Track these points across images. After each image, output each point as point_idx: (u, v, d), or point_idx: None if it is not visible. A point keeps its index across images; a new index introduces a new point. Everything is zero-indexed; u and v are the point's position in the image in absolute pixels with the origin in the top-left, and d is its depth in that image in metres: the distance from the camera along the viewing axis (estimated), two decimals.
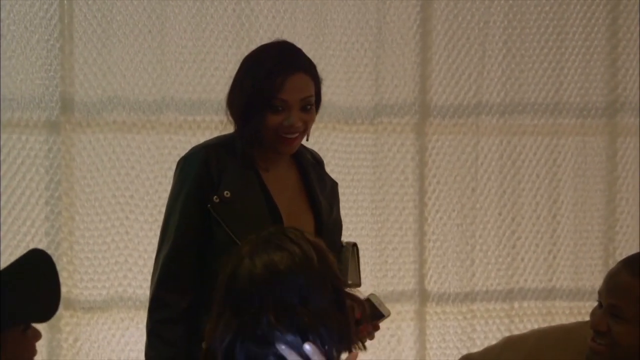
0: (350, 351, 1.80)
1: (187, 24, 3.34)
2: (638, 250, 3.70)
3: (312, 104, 2.57)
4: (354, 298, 2.58)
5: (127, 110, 3.29)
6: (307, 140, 2.62)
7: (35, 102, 3.22)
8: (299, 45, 3.37)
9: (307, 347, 1.69)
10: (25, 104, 3.21)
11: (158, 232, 3.28)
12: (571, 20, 3.69)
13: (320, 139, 3.46)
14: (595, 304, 3.60)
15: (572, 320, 3.68)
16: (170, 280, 2.55)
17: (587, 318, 3.67)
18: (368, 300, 2.60)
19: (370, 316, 2.59)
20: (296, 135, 2.57)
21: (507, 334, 3.49)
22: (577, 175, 3.74)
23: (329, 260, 1.81)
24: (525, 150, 3.68)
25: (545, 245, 3.71)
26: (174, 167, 3.27)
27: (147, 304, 3.28)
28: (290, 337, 1.70)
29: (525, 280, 3.70)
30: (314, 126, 2.62)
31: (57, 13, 3.22)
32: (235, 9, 3.38)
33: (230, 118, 2.60)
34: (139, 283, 3.35)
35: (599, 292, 2.25)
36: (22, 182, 3.23)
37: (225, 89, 3.34)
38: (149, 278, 3.29)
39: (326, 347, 1.74)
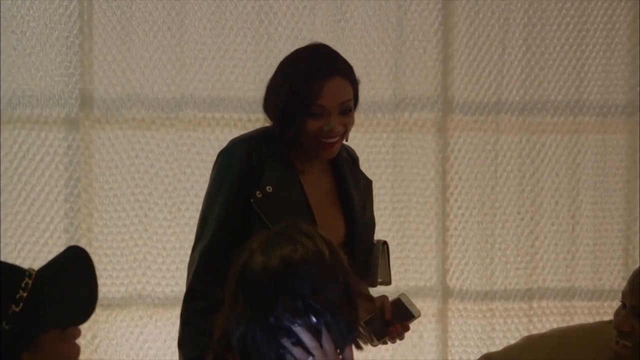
0: (357, 345, 1.82)
1: (206, 21, 3.32)
2: None
3: (351, 107, 2.54)
4: (384, 299, 2.58)
5: (146, 107, 3.28)
6: (345, 141, 2.60)
7: (55, 99, 3.20)
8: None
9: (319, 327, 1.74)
10: (44, 101, 3.20)
11: (177, 230, 3.34)
12: (592, 17, 3.66)
13: None
14: (615, 303, 3.57)
15: (591, 320, 3.66)
16: (208, 272, 2.53)
17: (606, 318, 3.66)
18: (398, 300, 2.59)
19: (400, 316, 2.58)
20: (336, 139, 2.55)
21: (525, 334, 3.47)
22: (596, 173, 3.72)
23: (340, 255, 1.81)
24: (545, 149, 3.65)
25: (564, 245, 3.69)
26: (192, 164, 3.35)
27: (165, 302, 3.31)
28: (300, 321, 1.73)
29: (544, 280, 3.68)
30: None
31: (77, 10, 3.21)
32: (254, 6, 3.36)
33: (268, 118, 2.58)
34: (158, 281, 3.35)
35: (623, 293, 2.25)
36: (41, 178, 3.21)
37: (244, 86, 3.37)
38: (168, 275, 3.34)
39: (333, 335, 1.75)
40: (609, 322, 2.41)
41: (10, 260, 1.81)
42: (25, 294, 1.63)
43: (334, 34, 3.41)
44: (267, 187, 2.54)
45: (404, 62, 3.49)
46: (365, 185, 2.75)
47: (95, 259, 3.16)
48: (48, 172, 3.22)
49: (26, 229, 3.19)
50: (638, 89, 3.71)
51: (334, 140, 2.54)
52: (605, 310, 3.72)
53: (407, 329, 2.59)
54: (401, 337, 2.57)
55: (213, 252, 2.54)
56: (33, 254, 3.22)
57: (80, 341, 3.16)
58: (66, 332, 1.71)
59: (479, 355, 2.65)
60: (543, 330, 3.28)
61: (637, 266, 3.73)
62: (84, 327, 3.14)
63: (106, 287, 3.26)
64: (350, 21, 3.42)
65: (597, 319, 3.67)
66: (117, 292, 3.30)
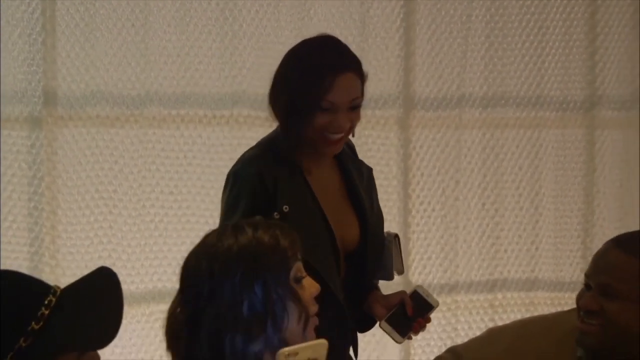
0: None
1: (170, 18, 3.27)
2: None
3: (359, 104, 2.48)
4: (403, 294, 2.57)
5: (110, 104, 3.23)
6: (352, 136, 2.56)
7: (18, 97, 3.14)
8: (281, 40, 3.36)
9: None
10: (7, 99, 3.13)
11: (141, 227, 3.29)
12: (551, 14, 3.67)
13: None
14: (575, 294, 3.54)
15: (553, 310, 3.68)
16: None
17: (567, 308, 3.67)
18: (415, 292, 2.58)
19: (420, 309, 2.57)
20: (342, 135, 2.49)
21: (490, 325, 3.49)
22: (557, 167, 3.75)
23: (270, 260, 1.84)
24: (507, 143, 3.67)
25: (527, 237, 3.72)
26: (157, 161, 3.31)
27: (130, 299, 3.25)
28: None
29: (508, 272, 3.70)
30: None
31: (39, 6, 3.14)
32: (219, 3, 3.32)
33: (273, 115, 2.52)
34: (123, 278, 3.21)
35: (586, 275, 2.21)
36: (4, 177, 3.15)
37: (209, 82, 3.33)
38: (133, 273, 3.30)
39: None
40: (569, 311, 2.40)
41: None
42: (47, 312, 1.54)
43: (298, 31, 3.37)
44: (284, 207, 2.49)
45: (367, 59, 3.44)
46: (368, 175, 2.69)
47: (59, 257, 3.17)
48: (11, 171, 3.16)
49: None
50: (595, 84, 3.74)
51: (339, 136, 2.48)
52: (566, 301, 3.74)
53: (428, 321, 2.58)
54: (423, 329, 2.56)
55: None
56: None
57: None
58: (84, 356, 1.60)
59: (443, 348, 2.67)
60: (507, 322, 3.27)
61: None
62: None
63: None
64: (314, 18, 3.39)
65: (559, 309, 3.69)
66: None
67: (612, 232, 3.72)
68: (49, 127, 3.17)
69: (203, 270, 1.84)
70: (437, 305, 2.60)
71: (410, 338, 2.60)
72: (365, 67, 3.46)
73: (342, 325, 2.53)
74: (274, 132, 2.59)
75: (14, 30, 3.11)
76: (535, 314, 3.62)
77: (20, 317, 1.54)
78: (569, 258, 3.77)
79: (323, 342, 1.72)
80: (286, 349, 1.68)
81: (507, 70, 3.62)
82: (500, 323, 3.36)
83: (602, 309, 2.15)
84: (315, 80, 2.42)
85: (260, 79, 3.29)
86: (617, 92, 3.75)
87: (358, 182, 2.63)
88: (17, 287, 1.59)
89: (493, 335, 2.44)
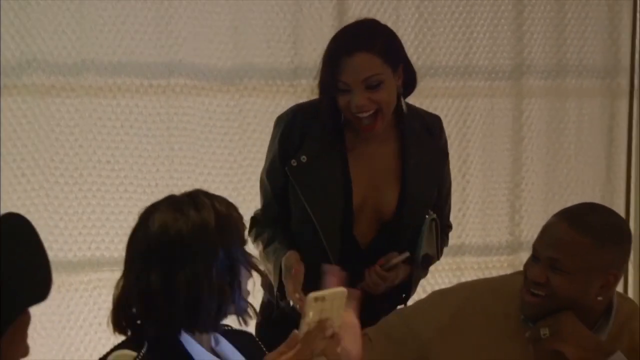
0: (243, 319, 1.95)
1: None
2: (542, 208, 3.81)
3: (380, 81, 2.51)
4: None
5: (47, 73, 3.18)
6: (405, 111, 2.62)
7: None
8: (217, 10, 3.35)
9: None
10: None
11: (79, 195, 3.27)
12: None
13: (241, 101, 3.43)
14: (504, 258, 3.64)
15: (480, 274, 3.73)
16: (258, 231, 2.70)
17: (494, 272, 3.73)
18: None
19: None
20: (368, 113, 2.53)
21: (420, 289, 3.49)
22: (485, 135, 3.78)
23: (231, 228, 1.89)
24: (436, 112, 3.63)
25: (455, 204, 3.70)
26: (94, 129, 3.27)
27: (69, 268, 3.24)
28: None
29: None
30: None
31: None
32: None
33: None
34: (60, 246, 3.27)
35: (535, 247, 2.26)
36: None
37: (145, 51, 3.31)
38: (70, 241, 3.27)
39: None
40: (513, 274, 2.48)
41: None
42: None
43: None
44: (302, 157, 2.58)
45: (301, 30, 3.46)
46: (437, 156, 2.73)
47: None
48: None
49: None
50: (523, 54, 3.77)
51: (364, 115, 2.52)
52: (494, 265, 3.80)
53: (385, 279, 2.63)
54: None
55: (267, 206, 2.69)
56: None
57: None
58: (22, 319, 1.52)
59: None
60: (437, 287, 3.31)
61: (522, 223, 3.84)
62: None
63: None
64: None
65: (486, 273, 3.75)
66: None
67: (539, 198, 3.81)
68: None
69: (172, 239, 1.86)
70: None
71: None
72: (300, 37, 3.50)
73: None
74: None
75: None
76: (463, 278, 3.67)
77: None
78: (496, 223, 3.79)
79: (344, 290, 1.74)
80: (314, 294, 1.69)
81: (437, 41, 3.62)
82: (429, 288, 3.37)
83: (548, 281, 2.21)
84: (331, 62, 2.51)
85: (196, 48, 3.33)
86: (543, 62, 3.78)
87: (415, 160, 2.66)
88: None
89: (440, 298, 2.47)
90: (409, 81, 2.64)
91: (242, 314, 1.93)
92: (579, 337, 2.21)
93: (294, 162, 2.59)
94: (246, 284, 1.92)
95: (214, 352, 1.95)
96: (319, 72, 2.56)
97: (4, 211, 3.12)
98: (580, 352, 2.20)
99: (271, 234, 2.65)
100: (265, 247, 2.65)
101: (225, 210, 1.90)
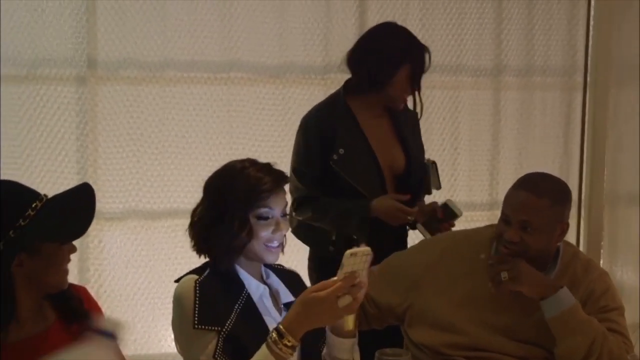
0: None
1: (184, 1, 3.25)
2: (514, 175, 3.70)
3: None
4: (435, 204, 2.73)
5: (137, 67, 3.21)
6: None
7: (68, 61, 3.14)
8: (266, 20, 3.34)
9: None
10: (60, 63, 3.12)
11: (162, 162, 3.29)
12: (469, 3, 3.65)
13: (284, 90, 3.43)
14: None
15: (467, 225, 3.55)
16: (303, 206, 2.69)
17: (478, 224, 3.67)
18: (445, 203, 2.70)
19: (448, 216, 2.70)
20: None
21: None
22: (472, 119, 3.73)
23: (241, 188, 1.87)
24: (434, 100, 3.63)
25: (448, 171, 3.68)
26: (172, 112, 3.30)
27: (154, 215, 3.30)
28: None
29: (435, 198, 3.60)
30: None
31: None
32: None
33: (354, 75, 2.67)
34: (147, 199, 3.32)
35: (505, 213, 2.22)
36: (58, 122, 3.16)
37: (211, 51, 3.27)
38: (155, 196, 3.31)
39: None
40: (486, 227, 2.43)
41: (31, 184, 1.79)
42: (32, 213, 1.62)
43: (279, 13, 3.37)
44: (340, 150, 2.63)
45: (331, 35, 3.43)
46: (413, 119, 2.82)
47: (99, 183, 3.22)
48: (63, 118, 3.16)
49: (47, 161, 3.14)
50: (501, 56, 3.71)
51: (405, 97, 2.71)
52: (479, 217, 3.72)
53: (452, 225, 2.72)
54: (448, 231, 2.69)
55: (311, 189, 2.67)
56: (51, 177, 3.17)
57: (90, 245, 3.20)
58: (63, 247, 1.68)
59: None
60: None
61: (498, 186, 3.81)
62: (92, 235, 3.19)
63: (109, 204, 3.25)
64: None
65: (471, 224, 3.49)
66: (117, 207, 3.27)
67: (512, 167, 3.76)
68: (91, 85, 3.17)
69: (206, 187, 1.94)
70: (461, 214, 2.69)
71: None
72: (329, 40, 3.45)
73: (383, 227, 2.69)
74: (336, 92, 2.73)
75: (65, 10, 3.09)
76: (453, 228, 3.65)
77: (11, 215, 1.61)
78: (479, 186, 3.76)
79: (370, 250, 1.72)
80: (350, 251, 1.68)
81: (436, 45, 3.56)
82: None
83: (522, 239, 2.18)
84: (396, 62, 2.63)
85: (250, 49, 3.34)
86: (516, 62, 3.74)
87: (404, 125, 2.75)
88: (12, 193, 1.66)
89: (428, 245, 2.46)
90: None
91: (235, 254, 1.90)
92: (531, 278, 2.16)
93: (335, 156, 2.63)
94: (235, 238, 1.88)
95: (265, 283, 1.96)
96: (376, 69, 2.60)
97: (104, 173, 3.22)
98: (533, 289, 2.17)
99: (327, 199, 2.68)
100: (325, 209, 2.67)
101: (251, 173, 1.87)
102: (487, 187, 3.79)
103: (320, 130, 2.65)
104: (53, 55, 3.09)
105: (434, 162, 2.80)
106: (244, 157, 1.97)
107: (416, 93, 2.71)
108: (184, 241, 3.31)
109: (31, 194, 1.66)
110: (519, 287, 2.17)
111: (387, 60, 2.61)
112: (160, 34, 3.23)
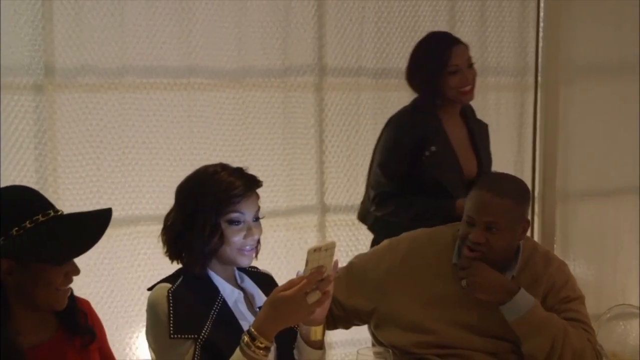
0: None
1: (142, 7, 3.19)
2: None
3: (473, 62, 2.89)
4: None
5: (96, 74, 3.14)
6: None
7: (25, 69, 3.04)
8: (225, 25, 3.34)
9: None
10: (16, 71, 3.03)
11: (122, 167, 3.23)
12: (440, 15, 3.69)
13: (244, 94, 3.39)
14: None
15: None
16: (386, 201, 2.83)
17: None
18: None
19: None
20: (470, 87, 2.83)
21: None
22: None
23: (212, 192, 1.85)
24: (394, 100, 3.61)
25: None
26: (132, 118, 3.24)
27: (115, 223, 3.20)
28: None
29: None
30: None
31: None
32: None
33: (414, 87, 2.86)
34: (108, 207, 3.20)
35: (469, 215, 2.23)
36: (16, 131, 3.06)
37: (171, 57, 3.23)
38: (116, 203, 3.23)
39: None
40: (447, 226, 2.44)
41: None
42: (30, 225, 1.53)
43: (238, 19, 3.33)
44: (432, 148, 2.78)
45: (289, 39, 3.42)
46: (484, 130, 3.00)
47: (59, 191, 3.13)
48: (21, 126, 3.05)
49: (5, 170, 3.03)
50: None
51: (467, 88, 2.83)
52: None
53: None
54: None
55: (394, 183, 2.81)
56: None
57: None
58: (55, 268, 1.58)
59: (349, 257, 2.60)
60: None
61: None
62: None
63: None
64: None
65: None
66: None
67: None
68: (49, 93, 3.09)
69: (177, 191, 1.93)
70: None
71: None
72: (288, 44, 3.44)
73: None
74: (414, 101, 2.90)
75: (20, 17, 3.00)
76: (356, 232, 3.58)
77: (8, 221, 1.52)
78: None
79: (334, 243, 1.73)
80: (313, 246, 1.68)
81: (391, 47, 3.60)
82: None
83: (487, 240, 2.20)
84: (441, 52, 2.81)
85: (209, 54, 3.30)
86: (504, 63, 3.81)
87: (477, 135, 2.92)
88: (20, 199, 1.57)
89: (391, 246, 2.43)
90: None
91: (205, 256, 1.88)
92: (488, 285, 2.18)
93: (427, 153, 2.76)
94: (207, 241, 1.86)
95: (240, 287, 1.94)
96: (422, 65, 2.78)
97: (63, 181, 3.14)
98: (491, 296, 2.18)
99: (410, 198, 2.80)
100: (409, 204, 2.80)
101: (224, 178, 1.85)
102: None
103: (415, 127, 2.79)
104: (9, 63, 2.99)
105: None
106: (205, 162, 1.94)
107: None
108: (147, 248, 3.32)
109: (40, 206, 1.57)
110: (476, 294, 2.20)
111: (429, 70, 2.83)
112: (118, 40, 3.16)
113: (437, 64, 2.78)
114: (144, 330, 3.19)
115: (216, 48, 3.31)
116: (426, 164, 2.77)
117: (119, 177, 3.25)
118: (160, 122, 3.30)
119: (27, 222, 1.54)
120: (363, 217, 3.08)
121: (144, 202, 3.28)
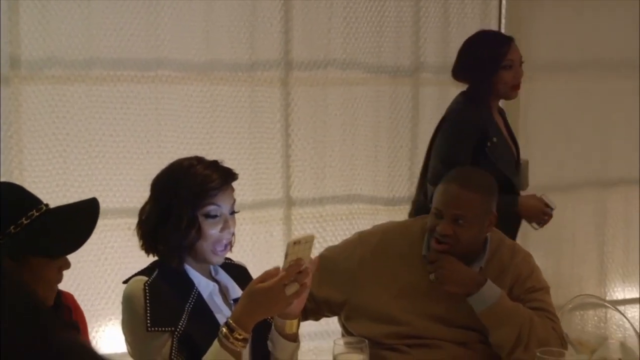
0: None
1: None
2: None
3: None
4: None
5: (62, 67, 3.09)
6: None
7: None
8: (193, 18, 3.32)
9: None
10: None
11: (88, 160, 3.18)
12: (387, 11, 3.68)
13: (211, 87, 3.38)
14: (398, 209, 3.58)
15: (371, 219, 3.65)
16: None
17: (400, 215, 3.76)
18: (541, 198, 3.00)
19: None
20: (519, 82, 2.98)
21: (347, 231, 3.49)
22: (391, 109, 3.76)
23: (189, 185, 1.83)
24: (359, 98, 3.66)
25: (373, 164, 3.74)
26: (101, 111, 3.20)
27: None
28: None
29: (361, 189, 3.70)
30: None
31: None
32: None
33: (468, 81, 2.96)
34: (75, 200, 3.08)
35: (437, 207, 2.24)
36: None
37: (138, 49, 3.23)
38: (83, 196, 3.17)
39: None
40: (416, 219, 2.47)
41: None
42: (27, 222, 1.53)
43: (207, 5, 3.31)
44: (494, 139, 2.89)
45: (257, 33, 3.41)
46: (505, 118, 3.13)
47: (25, 185, 3.02)
48: None
49: None
50: (419, 55, 3.75)
51: (519, 82, 2.98)
52: (401, 210, 3.75)
53: (550, 217, 3.01)
54: (546, 223, 3.02)
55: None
56: None
57: None
58: (53, 262, 1.59)
59: (315, 250, 2.61)
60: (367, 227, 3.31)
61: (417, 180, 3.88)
62: None
63: None
64: None
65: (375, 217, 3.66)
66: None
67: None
68: (15, 85, 3.03)
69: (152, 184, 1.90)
70: (555, 207, 2.97)
71: (536, 228, 3.05)
72: (255, 39, 3.45)
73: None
74: (463, 95, 2.98)
75: None
76: (354, 222, 3.66)
77: (4, 220, 1.52)
78: (399, 182, 3.79)
79: (313, 236, 1.74)
80: (293, 239, 1.69)
81: (358, 43, 3.60)
82: (358, 229, 3.37)
83: (454, 232, 2.22)
84: (499, 47, 2.93)
85: (177, 47, 3.28)
86: (434, 61, 3.79)
87: (508, 124, 3.08)
88: (11, 198, 1.57)
89: (363, 239, 2.42)
90: None
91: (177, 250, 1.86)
92: (456, 277, 2.21)
93: (489, 144, 2.86)
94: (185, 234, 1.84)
95: (214, 280, 1.94)
96: (480, 58, 2.88)
97: (30, 177, 3.09)
98: (459, 288, 2.21)
99: None
100: None
101: (200, 171, 1.84)
102: (406, 181, 3.82)
103: (478, 119, 2.87)
104: None
105: (527, 162, 3.09)
106: (172, 155, 1.96)
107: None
108: (114, 241, 3.28)
109: (32, 202, 1.56)
110: (445, 287, 2.23)
111: (484, 65, 2.93)
112: (85, 32, 3.11)
113: (496, 57, 2.88)
114: (110, 324, 3.21)
115: (184, 41, 3.29)
116: (489, 155, 2.85)
117: (86, 170, 3.20)
118: (128, 114, 3.26)
119: (23, 218, 1.53)
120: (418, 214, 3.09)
121: (110, 195, 3.24)
